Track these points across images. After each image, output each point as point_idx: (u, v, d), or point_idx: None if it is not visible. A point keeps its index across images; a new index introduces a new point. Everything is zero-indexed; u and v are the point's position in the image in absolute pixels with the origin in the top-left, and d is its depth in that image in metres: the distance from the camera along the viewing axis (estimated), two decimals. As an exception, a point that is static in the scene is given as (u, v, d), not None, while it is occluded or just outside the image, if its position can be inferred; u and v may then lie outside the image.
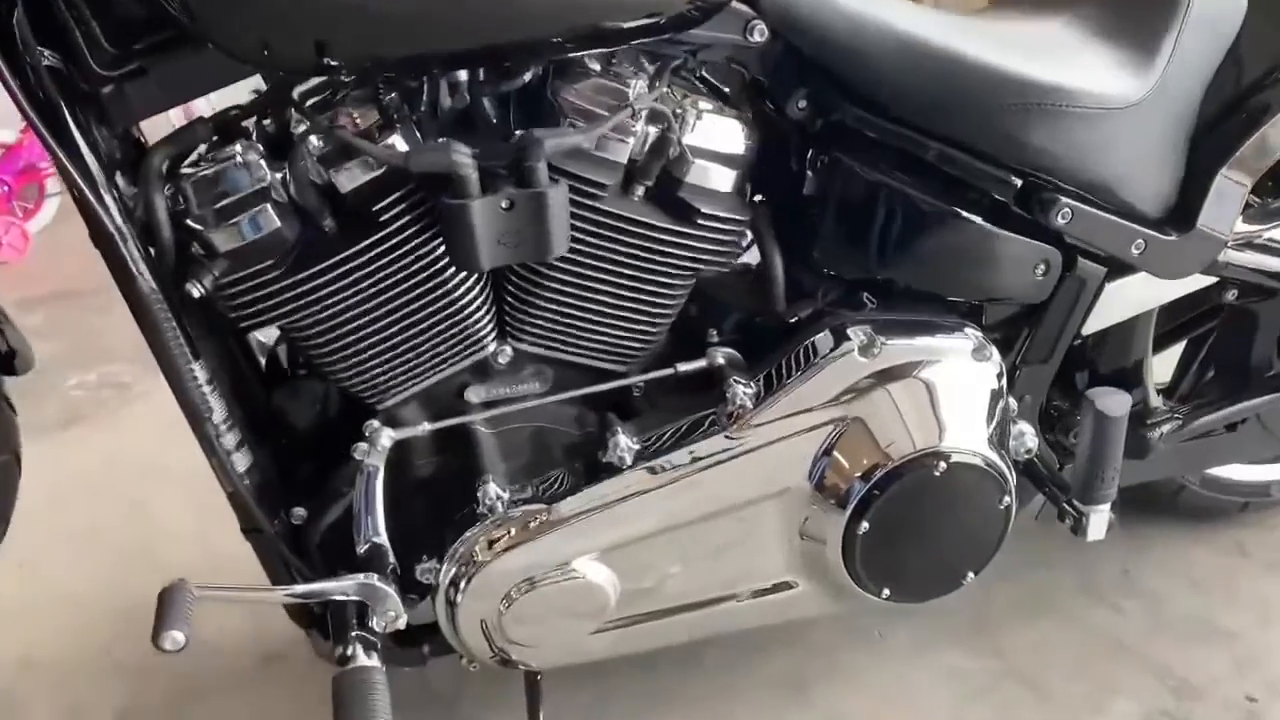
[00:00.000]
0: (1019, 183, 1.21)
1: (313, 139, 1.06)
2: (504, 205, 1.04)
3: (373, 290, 1.10)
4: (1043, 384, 1.35)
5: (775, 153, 1.23)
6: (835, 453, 1.19)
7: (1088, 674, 1.51)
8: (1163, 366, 1.58)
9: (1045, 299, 1.27)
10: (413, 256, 1.09)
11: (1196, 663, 1.52)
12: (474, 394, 1.22)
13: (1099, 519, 1.25)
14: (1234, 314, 1.49)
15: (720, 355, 1.22)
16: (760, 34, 1.14)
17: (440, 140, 1.05)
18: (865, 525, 1.20)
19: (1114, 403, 1.20)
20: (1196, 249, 1.28)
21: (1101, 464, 1.21)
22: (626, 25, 1.06)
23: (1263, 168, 1.31)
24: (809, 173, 1.23)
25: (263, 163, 1.05)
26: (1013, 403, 1.30)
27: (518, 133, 1.08)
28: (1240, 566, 1.69)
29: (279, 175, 1.06)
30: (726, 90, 1.25)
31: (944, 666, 1.52)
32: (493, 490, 1.16)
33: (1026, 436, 1.31)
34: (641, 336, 1.21)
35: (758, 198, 1.26)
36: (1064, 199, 1.20)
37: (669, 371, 1.22)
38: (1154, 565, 1.68)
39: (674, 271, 1.18)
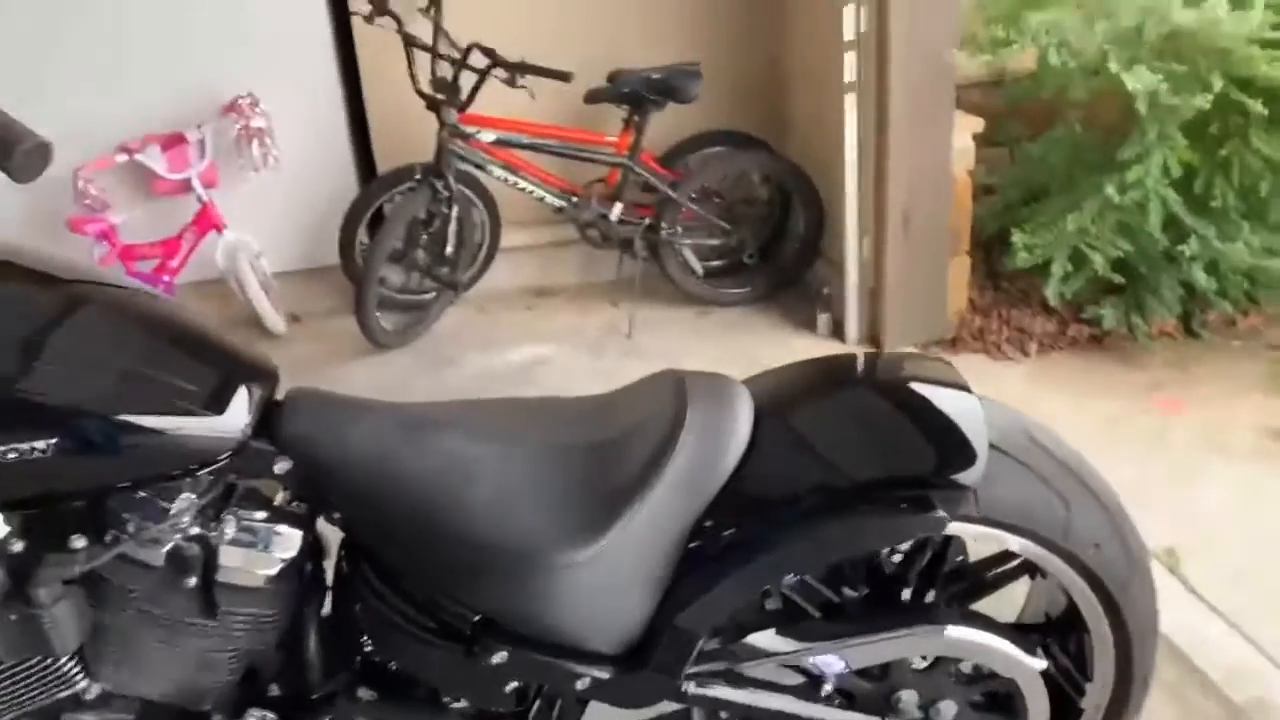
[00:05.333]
0: (476, 618, 1.39)
1: None
2: (12, 618, 1.29)
3: None
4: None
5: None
6: None
7: None
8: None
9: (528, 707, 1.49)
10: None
11: None
12: None
13: None
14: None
15: None
16: (283, 468, 1.36)
17: None
18: None
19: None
20: (649, 687, 1.42)
21: None
22: (158, 473, 1.30)
23: (722, 616, 1.42)
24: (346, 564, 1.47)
25: None
26: None
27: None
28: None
29: None
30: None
31: None
32: None
33: None
34: (209, 686, 1.43)
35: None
36: (499, 645, 1.38)
37: None
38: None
39: (217, 649, 1.40)
